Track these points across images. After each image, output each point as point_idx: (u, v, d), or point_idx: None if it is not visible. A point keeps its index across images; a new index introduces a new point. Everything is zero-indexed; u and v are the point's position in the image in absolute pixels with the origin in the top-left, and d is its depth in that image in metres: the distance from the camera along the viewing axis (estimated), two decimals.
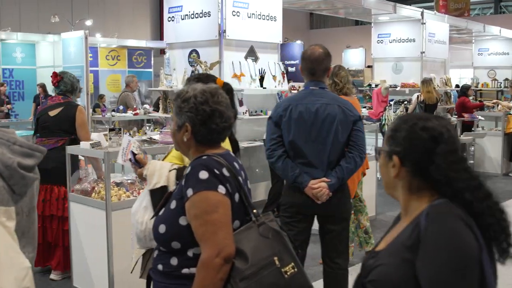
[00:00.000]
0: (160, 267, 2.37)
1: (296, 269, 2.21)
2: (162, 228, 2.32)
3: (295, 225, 4.00)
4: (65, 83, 5.62)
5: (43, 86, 14.27)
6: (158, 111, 9.07)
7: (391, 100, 11.09)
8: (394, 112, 10.41)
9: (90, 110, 12.81)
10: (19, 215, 1.90)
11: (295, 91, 7.17)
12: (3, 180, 1.82)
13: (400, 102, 10.97)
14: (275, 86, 8.62)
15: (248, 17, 8.24)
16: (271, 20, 8.59)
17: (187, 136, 2.33)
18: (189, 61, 8.35)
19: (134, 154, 3.16)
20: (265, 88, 8.37)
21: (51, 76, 5.73)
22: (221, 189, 2.22)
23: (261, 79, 8.32)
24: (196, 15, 8.22)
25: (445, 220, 1.67)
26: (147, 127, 9.19)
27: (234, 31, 8.05)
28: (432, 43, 12.28)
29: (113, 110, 11.35)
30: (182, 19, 8.44)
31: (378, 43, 12.72)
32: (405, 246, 1.71)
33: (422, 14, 11.99)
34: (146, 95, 16.65)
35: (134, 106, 11.21)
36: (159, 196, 2.61)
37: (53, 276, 5.48)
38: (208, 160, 2.26)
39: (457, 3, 23.11)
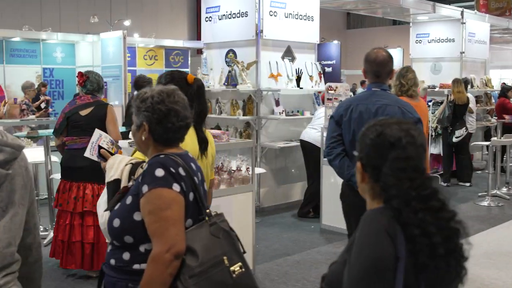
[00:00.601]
0: (112, 261, 2.40)
1: (243, 269, 2.27)
2: (116, 222, 2.36)
3: (348, 220, 4.19)
4: (91, 82, 5.70)
5: None
6: None
7: (430, 101, 10.93)
8: (432, 113, 10.26)
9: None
10: None
11: (332, 92, 7.13)
12: None
13: (439, 103, 10.80)
14: (312, 86, 8.60)
15: (285, 17, 8.24)
16: (308, 20, 8.56)
17: (145, 135, 2.39)
18: (226, 61, 8.38)
19: (100, 148, 3.18)
20: (301, 88, 8.36)
21: (77, 76, 5.83)
22: (176, 187, 2.26)
23: (298, 79, 8.31)
24: (234, 15, 8.25)
25: (367, 226, 1.71)
26: None
27: (271, 31, 8.06)
28: (472, 43, 12.08)
29: None
30: (219, 19, 8.48)
31: (417, 43, 12.57)
32: (347, 247, 1.78)
33: (462, 13, 11.80)
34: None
35: None
36: (112, 189, 2.63)
37: (91, 273, 5.53)
38: (165, 158, 2.31)
39: (498, 2, 22.67)
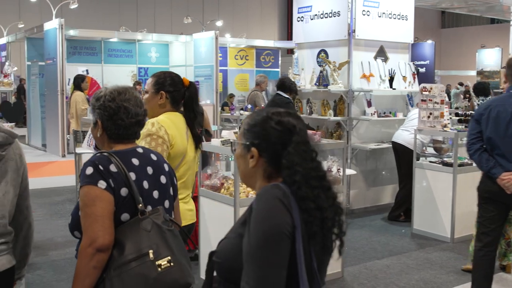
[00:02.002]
0: (75, 252, 2.49)
1: (172, 264, 2.29)
2: (70, 219, 2.51)
3: (487, 209, 4.49)
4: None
5: None
6: None
7: None
8: None
9: (219, 109, 13.20)
10: None
11: (427, 93, 6.93)
12: None
13: None
14: (405, 87, 8.40)
15: (379, 16, 8.09)
16: (402, 19, 8.37)
17: (100, 132, 2.52)
18: (317, 61, 8.34)
19: None
20: (394, 89, 8.18)
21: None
22: (101, 184, 2.33)
23: (391, 79, 8.14)
24: (326, 15, 8.19)
25: (264, 199, 1.83)
26: None
27: (364, 30, 7.94)
28: None
29: (242, 109, 11.58)
30: (311, 19, 8.45)
31: None
32: (240, 222, 1.89)
33: None
34: (272, 95, 16.81)
35: (262, 105, 11.38)
36: None
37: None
38: (99, 156, 2.40)
39: None
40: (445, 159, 7.01)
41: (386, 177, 8.42)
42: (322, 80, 7.99)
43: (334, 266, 5.44)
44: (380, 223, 7.62)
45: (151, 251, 2.27)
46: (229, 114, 11.67)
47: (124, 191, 2.37)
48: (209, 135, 6.13)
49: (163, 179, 2.59)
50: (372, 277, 5.56)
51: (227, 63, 16.23)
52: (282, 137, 1.93)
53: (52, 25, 11.60)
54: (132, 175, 2.42)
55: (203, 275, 5.26)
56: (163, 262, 2.27)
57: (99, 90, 2.63)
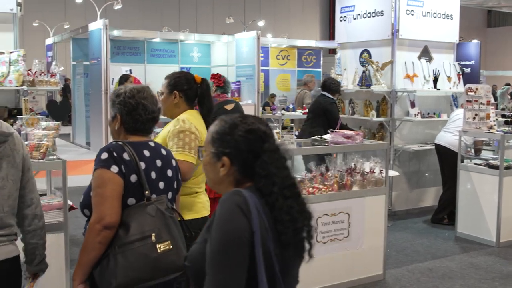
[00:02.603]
0: (84, 230, 2.74)
1: (171, 247, 2.53)
2: (81, 199, 2.74)
3: None
4: (228, 83, 6.34)
5: None
6: None
7: None
8: None
9: (260, 108, 13.19)
10: None
11: (472, 93, 6.80)
12: None
13: None
14: (450, 88, 8.26)
15: (423, 15, 7.98)
16: (447, 19, 8.24)
17: (118, 125, 2.77)
18: (360, 61, 8.27)
19: None
20: (439, 89, 8.06)
21: (214, 78, 6.34)
22: (114, 168, 2.56)
23: (435, 80, 8.02)
24: (369, 15, 8.12)
25: (224, 206, 1.87)
26: None
27: (408, 30, 7.84)
28: None
29: (283, 109, 11.56)
30: (354, 19, 8.39)
31: None
32: (206, 227, 1.93)
33: None
34: (314, 95, 16.74)
35: (303, 106, 11.35)
36: None
37: None
38: (114, 144, 2.65)
39: None
40: (490, 161, 6.87)
41: (429, 179, 8.30)
42: (365, 80, 7.92)
43: (375, 268, 5.40)
44: (422, 225, 7.52)
45: (153, 234, 2.51)
46: (271, 114, 11.66)
47: (133, 178, 2.60)
48: None
49: (169, 173, 2.81)
50: (414, 280, 5.49)
51: (268, 63, 16.19)
52: (253, 145, 1.94)
53: (96, 25, 11.75)
54: (142, 165, 2.65)
55: None
56: (163, 245, 2.51)
57: (119, 87, 2.87)
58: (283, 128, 4.85)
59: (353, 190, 5.19)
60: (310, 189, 4.98)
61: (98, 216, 2.53)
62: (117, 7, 17.02)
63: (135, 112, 2.73)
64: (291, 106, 11.32)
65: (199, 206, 3.52)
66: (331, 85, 7.51)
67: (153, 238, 2.50)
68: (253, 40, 13.31)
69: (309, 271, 4.96)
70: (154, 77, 14.67)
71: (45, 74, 5.96)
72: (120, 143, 2.65)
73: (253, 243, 1.82)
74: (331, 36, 27.11)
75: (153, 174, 2.69)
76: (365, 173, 5.28)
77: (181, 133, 3.35)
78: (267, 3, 27.07)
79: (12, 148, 2.69)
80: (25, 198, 2.75)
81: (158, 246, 2.50)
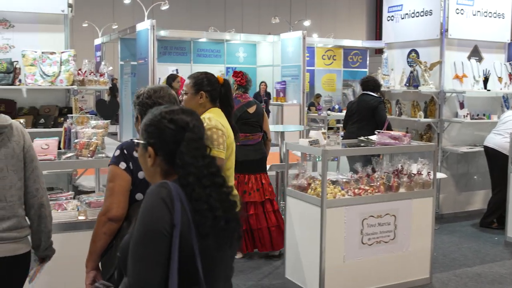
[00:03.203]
0: None
1: None
2: None
3: None
4: (250, 82, 6.17)
5: (266, 84, 14.98)
6: None
7: None
8: None
9: (305, 109, 13.16)
10: None
11: None
12: None
13: None
14: (501, 89, 8.06)
15: (473, 15, 7.81)
16: (499, 18, 8.04)
17: (139, 125, 2.80)
18: (407, 61, 8.15)
19: None
20: (489, 90, 7.87)
21: (237, 76, 6.17)
22: (122, 165, 2.73)
23: (485, 80, 7.83)
24: (417, 14, 7.99)
25: (148, 198, 1.91)
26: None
27: (457, 30, 7.69)
28: None
29: (329, 109, 11.51)
30: (402, 18, 8.27)
31: None
32: (136, 219, 1.96)
33: None
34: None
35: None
36: None
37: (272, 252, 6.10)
38: (128, 142, 2.82)
39: None
40: None
41: (478, 181, 8.12)
42: (413, 81, 7.80)
43: (422, 271, 5.31)
44: (471, 229, 7.36)
45: None
46: (316, 114, 11.62)
47: (141, 174, 2.71)
48: (267, 139, 6.16)
49: None
50: (462, 285, 5.37)
51: (314, 63, 16.18)
52: (175, 136, 1.98)
53: (144, 26, 11.95)
54: None
55: (288, 275, 5.28)
56: None
57: (140, 89, 3.01)
58: (329, 128, 4.81)
59: (400, 192, 5.12)
60: (356, 190, 4.93)
61: (105, 208, 2.73)
62: (164, 7, 17.22)
63: None
64: (336, 107, 11.25)
65: None
66: (375, 84, 7.41)
67: None
68: (298, 40, 13.31)
69: (355, 273, 4.94)
70: None
71: (94, 74, 6.07)
72: (134, 141, 2.66)
73: (172, 236, 1.86)
74: (377, 36, 26.84)
75: None
76: (412, 175, 5.20)
77: (208, 130, 3.43)
78: (313, 3, 26.97)
79: (10, 138, 2.79)
80: (30, 188, 2.85)
81: None
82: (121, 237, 2.61)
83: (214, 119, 3.53)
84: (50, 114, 5.92)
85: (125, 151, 2.78)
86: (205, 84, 3.68)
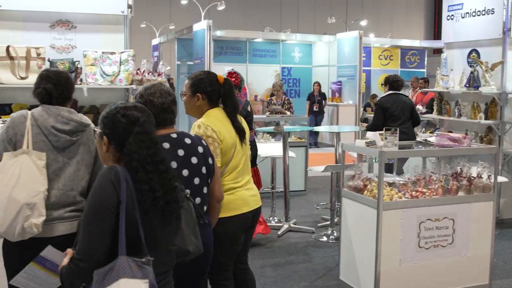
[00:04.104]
0: None
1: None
2: None
3: None
4: (243, 81, 6.54)
5: (320, 84, 14.90)
6: (431, 112, 8.82)
7: None
8: None
9: (361, 109, 13.02)
10: (58, 162, 3.09)
11: None
12: (45, 136, 3.07)
13: None
14: None
15: None
16: None
17: None
18: (468, 61, 7.96)
19: None
20: None
21: (232, 76, 6.40)
22: None
23: None
24: (478, 13, 7.79)
25: (99, 179, 2.30)
26: (419, 129, 8.97)
27: None
28: None
29: None
30: (462, 17, 8.08)
31: None
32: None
33: None
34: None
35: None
36: None
37: None
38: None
39: None
40: None
41: None
42: (473, 82, 7.60)
43: (481, 277, 5.18)
44: None
45: None
46: (372, 115, 11.46)
47: (173, 164, 2.88)
48: None
49: (194, 160, 3.06)
50: None
51: (370, 63, 16.00)
52: (126, 128, 2.35)
53: (200, 26, 12.05)
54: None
55: (342, 277, 5.24)
56: None
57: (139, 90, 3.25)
58: (387, 129, 4.74)
59: (459, 195, 4.99)
60: (414, 193, 4.84)
61: None
62: (221, 7, 17.35)
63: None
64: None
65: (237, 203, 3.55)
66: (403, 84, 7.74)
67: None
68: (355, 40, 13.18)
69: (411, 277, 4.85)
70: (255, 77, 14.88)
71: (152, 74, 6.16)
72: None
73: (118, 210, 2.22)
74: (436, 35, 26.34)
75: (173, 164, 2.95)
76: (472, 178, 5.07)
77: None
78: (370, 2, 26.68)
79: (89, 137, 3.20)
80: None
81: None
82: None
83: (205, 125, 3.45)
84: None
85: None
86: (202, 85, 3.57)
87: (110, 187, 2.24)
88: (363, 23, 21.76)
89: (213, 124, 3.48)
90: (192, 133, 3.42)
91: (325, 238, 6.88)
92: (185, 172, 3.00)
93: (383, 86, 8.11)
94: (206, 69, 11.90)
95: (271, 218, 7.66)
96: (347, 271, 5.21)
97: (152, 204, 2.24)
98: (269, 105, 10.74)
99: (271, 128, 8.04)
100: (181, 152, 3.02)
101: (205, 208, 3.12)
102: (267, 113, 10.34)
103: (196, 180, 3.04)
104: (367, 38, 16.31)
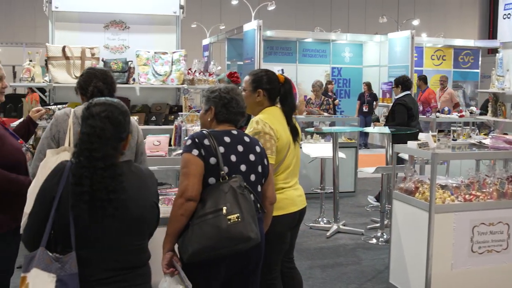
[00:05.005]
0: None
1: (239, 219, 2.82)
2: None
3: None
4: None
5: (368, 85, 14.74)
6: (486, 114, 8.61)
7: None
8: None
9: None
10: None
11: None
12: None
13: None
14: None
15: None
16: None
17: (211, 116, 3.17)
18: None
19: None
20: None
21: (233, 76, 6.43)
22: (195, 152, 2.95)
23: None
24: None
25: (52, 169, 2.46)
26: (472, 130, 8.77)
27: None
28: None
29: (438, 111, 11.14)
30: None
31: None
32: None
33: None
34: (471, 97, 15.98)
35: (460, 108, 10.87)
36: None
37: None
38: (198, 133, 3.07)
39: None
40: None
41: None
42: None
43: None
44: None
45: (224, 207, 2.82)
46: (424, 116, 11.27)
47: (212, 160, 2.96)
48: None
49: (252, 157, 3.12)
50: None
51: (422, 63, 15.72)
52: (81, 123, 2.46)
53: (251, 26, 12.09)
54: (221, 149, 3.01)
55: (392, 280, 5.16)
56: (233, 217, 2.81)
57: (213, 86, 3.34)
58: (440, 131, 4.65)
59: None
60: (467, 196, 4.73)
61: (181, 190, 2.91)
62: (271, 7, 17.34)
63: (229, 105, 3.14)
64: (446, 109, 10.85)
65: (285, 202, 3.60)
66: (406, 82, 8.24)
67: (224, 211, 2.81)
68: (407, 40, 12.98)
69: (463, 282, 4.74)
70: (305, 77, 14.81)
71: (203, 73, 6.22)
72: (204, 132, 3.06)
73: (54, 201, 2.34)
74: (490, 35, 25.70)
75: (233, 157, 3.04)
76: None
77: (256, 135, 3.47)
78: (422, 1, 26.25)
79: (132, 128, 3.23)
80: None
81: (228, 217, 2.80)
82: (197, 217, 2.86)
83: (263, 122, 3.52)
84: (161, 112, 6.13)
85: (196, 140, 2.99)
86: (264, 81, 3.67)
87: (52, 180, 2.40)
88: (415, 22, 21.41)
89: (271, 122, 3.55)
90: (249, 128, 3.53)
91: (374, 240, 6.80)
92: (243, 167, 3.06)
93: (393, 88, 8.49)
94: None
95: (320, 219, 7.62)
96: (396, 274, 5.13)
97: (77, 198, 2.30)
98: (308, 105, 10.70)
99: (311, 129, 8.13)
100: (240, 148, 3.09)
101: (258, 206, 3.15)
102: (305, 113, 10.29)
103: (252, 177, 3.10)
104: (419, 38, 16.04)
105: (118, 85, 5.79)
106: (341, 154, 7.59)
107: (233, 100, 3.15)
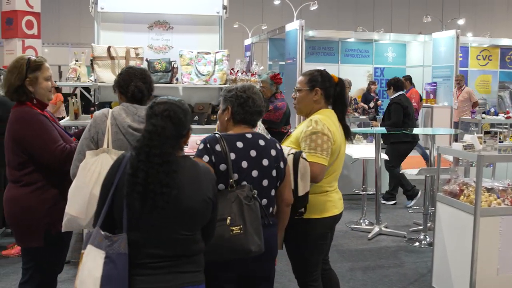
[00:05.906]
0: None
1: (241, 231, 2.83)
2: None
3: None
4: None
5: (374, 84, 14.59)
6: None
7: None
8: None
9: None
10: None
11: None
12: (123, 135, 3.23)
13: None
14: None
15: None
16: None
17: (228, 116, 3.15)
18: None
19: None
20: None
21: (276, 78, 6.80)
22: (205, 158, 2.96)
23: None
24: None
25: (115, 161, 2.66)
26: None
27: None
28: None
29: (483, 112, 10.93)
30: None
31: None
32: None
33: None
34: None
35: (507, 110, 10.64)
36: None
37: None
38: (211, 137, 3.04)
39: None
40: None
41: None
42: None
43: None
44: None
45: (229, 217, 2.84)
46: (469, 117, 11.09)
47: (222, 167, 2.95)
48: None
49: (265, 162, 3.07)
50: None
51: (467, 64, 15.43)
52: (145, 121, 2.58)
53: (293, 26, 12.07)
54: (232, 155, 2.99)
55: (435, 284, 5.08)
56: (235, 228, 2.83)
57: (229, 85, 3.38)
58: (486, 133, 4.56)
59: None
60: None
61: None
62: (313, 7, 17.30)
63: (246, 104, 3.11)
64: (492, 110, 10.64)
65: (328, 205, 3.58)
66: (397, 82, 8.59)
67: (228, 221, 2.83)
68: (451, 40, 12.76)
69: (511, 287, 4.64)
70: (347, 77, 14.67)
71: (245, 73, 6.23)
72: (217, 135, 3.05)
73: (111, 189, 2.50)
74: None
75: (244, 164, 3.01)
76: None
77: (314, 134, 3.43)
78: (467, 1, 25.80)
79: None
80: None
81: (231, 228, 2.82)
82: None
83: (321, 122, 3.48)
84: (203, 111, 6.17)
85: (208, 145, 2.99)
86: (320, 80, 3.65)
87: (112, 170, 2.57)
88: (461, 21, 21.05)
89: (328, 124, 3.53)
90: (306, 127, 3.48)
91: (417, 243, 6.71)
92: (254, 173, 3.03)
93: (386, 90, 8.86)
94: (298, 69, 11.94)
95: (361, 221, 7.56)
96: (440, 278, 5.05)
97: (131, 188, 2.41)
98: None
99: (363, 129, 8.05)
100: (253, 153, 3.05)
101: (271, 209, 3.14)
102: None
103: (265, 182, 3.06)
104: (465, 38, 15.76)
105: (161, 85, 5.91)
106: (383, 155, 7.51)
107: (249, 99, 3.14)
